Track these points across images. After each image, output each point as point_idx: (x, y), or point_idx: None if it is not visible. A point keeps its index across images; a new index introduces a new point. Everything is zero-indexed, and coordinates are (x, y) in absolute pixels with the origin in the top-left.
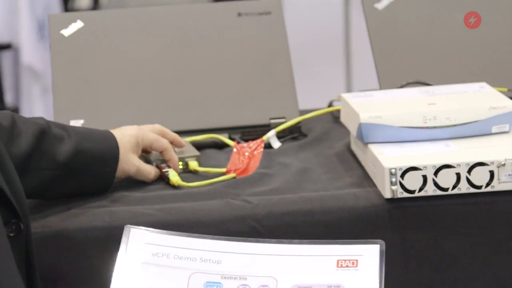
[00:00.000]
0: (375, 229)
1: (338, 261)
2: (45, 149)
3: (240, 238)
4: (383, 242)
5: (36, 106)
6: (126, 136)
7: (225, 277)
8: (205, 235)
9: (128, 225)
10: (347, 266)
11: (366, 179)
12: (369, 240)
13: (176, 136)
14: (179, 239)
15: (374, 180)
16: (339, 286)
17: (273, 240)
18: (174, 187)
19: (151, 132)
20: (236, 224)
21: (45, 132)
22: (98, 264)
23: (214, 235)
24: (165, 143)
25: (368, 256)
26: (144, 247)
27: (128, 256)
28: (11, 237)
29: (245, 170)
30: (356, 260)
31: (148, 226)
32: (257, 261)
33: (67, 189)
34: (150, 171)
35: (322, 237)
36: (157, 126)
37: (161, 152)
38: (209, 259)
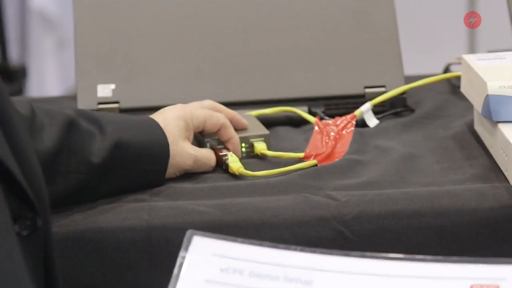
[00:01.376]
0: (506, 240)
1: (471, 286)
2: (75, 146)
3: (339, 251)
4: None
5: (49, 63)
6: (170, 120)
7: None
8: (292, 246)
9: (191, 230)
10: None
11: (494, 171)
12: None
13: (234, 113)
14: (258, 251)
15: (506, 173)
16: None
17: (382, 255)
18: (235, 176)
19: (201, 108)
20: (316, 228)
21: (73, 125)
22: (131, 276)
23: (286, 241)
24: (221, 117)
25: None
26: (211, 259)
27: (188, 271)
28: (24, 236)
29: (330, 155)
30: (497, 286)
31: (199, 228)
32: (362, 283)
33: (105, 194)
34: (210, 157)
35: (433, 248)
36: (207, 102)
37: (217, 132)
38: (297, 279)
